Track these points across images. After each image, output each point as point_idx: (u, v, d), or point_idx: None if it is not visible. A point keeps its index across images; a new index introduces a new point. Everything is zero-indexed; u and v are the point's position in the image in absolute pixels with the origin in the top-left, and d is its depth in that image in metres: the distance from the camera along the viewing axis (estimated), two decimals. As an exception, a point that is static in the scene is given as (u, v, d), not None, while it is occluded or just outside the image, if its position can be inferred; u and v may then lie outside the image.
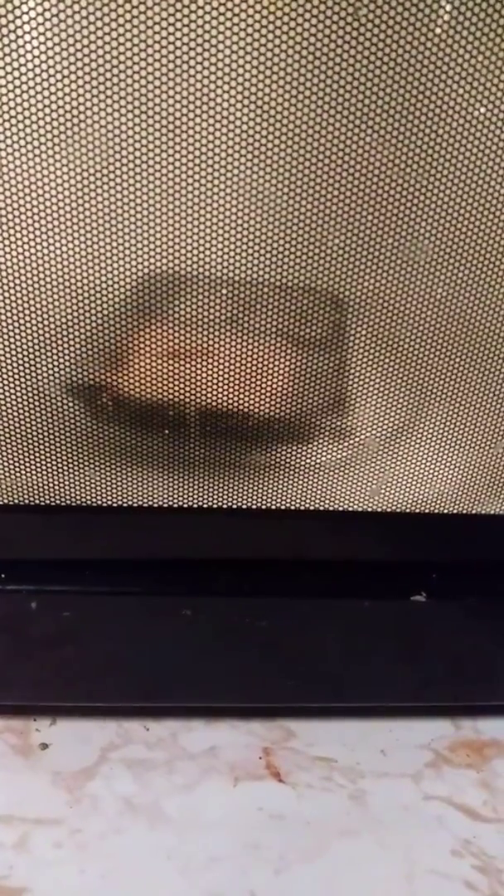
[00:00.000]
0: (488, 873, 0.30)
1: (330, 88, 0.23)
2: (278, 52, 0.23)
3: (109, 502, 0.30)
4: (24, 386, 0.27)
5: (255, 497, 0.30)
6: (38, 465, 0.29)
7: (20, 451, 0.29)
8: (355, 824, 0.31)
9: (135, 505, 0.30)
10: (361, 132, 0.24)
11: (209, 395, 0.28)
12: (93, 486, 0.29)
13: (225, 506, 0.30)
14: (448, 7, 0.23)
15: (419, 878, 0.29)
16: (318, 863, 0.30)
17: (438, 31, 0.23)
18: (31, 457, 0.29)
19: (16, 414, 0.28)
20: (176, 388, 0.28)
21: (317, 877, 0.29)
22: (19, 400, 0.28)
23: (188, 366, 0.27)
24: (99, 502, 0.30)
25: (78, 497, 0.30)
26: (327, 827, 0.31)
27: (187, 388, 0.28)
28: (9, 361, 0.27)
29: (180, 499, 0.30)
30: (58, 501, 0.30)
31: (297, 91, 0.23)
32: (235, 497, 0.30)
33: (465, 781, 0.33)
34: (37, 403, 0.28)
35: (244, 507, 0.30)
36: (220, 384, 0.28)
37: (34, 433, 0.28)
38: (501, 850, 0.31)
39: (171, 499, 0.30)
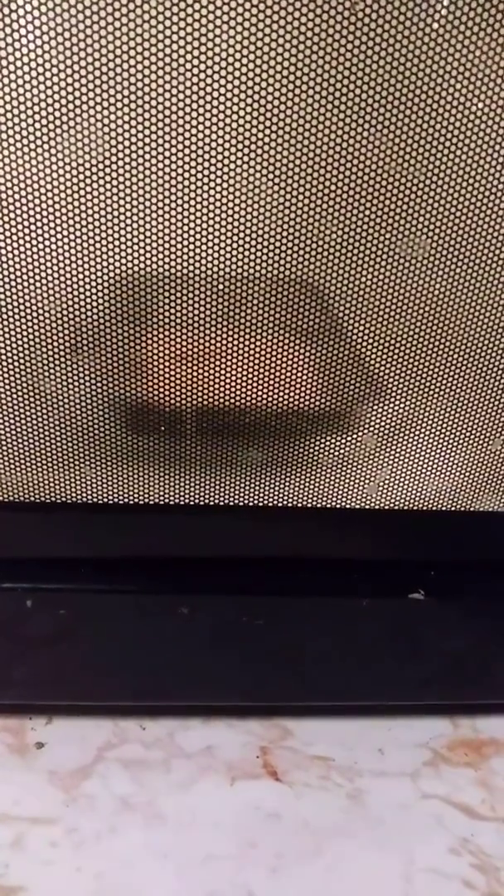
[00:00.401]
0: (486, 872, 0.30)
1: (326, 82, 0.23)
2: (274, 44, 0.23)
3: (105, 500, 0.30)
4: (18, 383, 0.27)
5: (252, 495, 0.30)
6: (33, 462, 0.29)
7: (14, 449, 0.29)
8: (353, 823, 0.31)
9: (131, 502, 0.30)
10: (358, 126, 0.24)
11: (205, 392, 0.28)
12: (88, 483, 0.29)
13: (222, 503, 0.30)
14: (445, 1, 0.23)
15: (417, 877, 0.29)
16: (315, 862, 0.29)
17: (436, 25, 0.23)
18: (26, 454, 0.29)
19: (9, 411, 0.28)
20: (172, 386, 0.28)
21: (314, 876, 0.29)
22: (13, 397, 0.28)
23: (184, 363, 0.27)
24: (95, 500, 0.30)
25: (73, 494, 0.30)
26: (325, 826, 0.31)
27: (183, 386, 0.28)
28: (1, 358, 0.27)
29: (177, 496, 0.30)
30: (53, 499, 0.29)
31: (292, 84, 0.23)
32: (232, 494, 0.30)
33: (464, 780, 0.33)
34: (32, 401, 0.28)
35: (241, 504, 0.30)
36: (216, 381, 0.28)
37: (29, 430, 0.28)
38: (499, 848, 0.30)
39: (167, 496, 0.30)
